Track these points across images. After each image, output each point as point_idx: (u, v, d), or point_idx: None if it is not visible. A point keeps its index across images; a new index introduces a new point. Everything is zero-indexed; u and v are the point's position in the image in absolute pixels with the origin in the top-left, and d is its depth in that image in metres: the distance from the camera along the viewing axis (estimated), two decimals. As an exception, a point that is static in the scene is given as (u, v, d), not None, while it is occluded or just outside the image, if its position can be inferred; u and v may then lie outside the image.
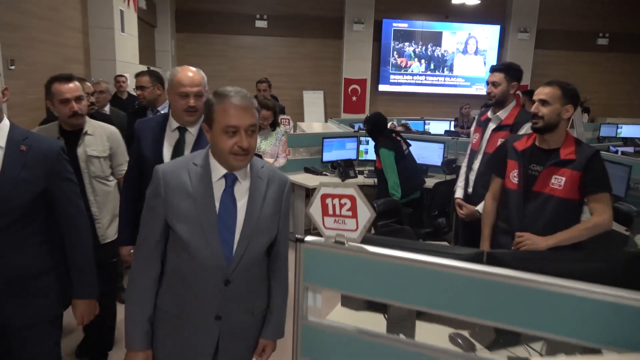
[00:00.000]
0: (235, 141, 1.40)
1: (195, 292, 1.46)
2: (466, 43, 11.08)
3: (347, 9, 10.39)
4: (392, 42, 10.82)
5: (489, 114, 2.95)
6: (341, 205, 1.43)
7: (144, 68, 6.20)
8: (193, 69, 2.08)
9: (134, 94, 4.08)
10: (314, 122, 8.83)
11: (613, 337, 1.17)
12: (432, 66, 11.01)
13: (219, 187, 1.46)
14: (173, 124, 2.10)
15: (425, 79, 11.01)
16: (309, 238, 1.51)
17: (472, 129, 3.14)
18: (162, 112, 3.23)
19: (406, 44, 10.90)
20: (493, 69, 2.90)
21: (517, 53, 11.01)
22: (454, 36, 11.01)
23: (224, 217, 1.45)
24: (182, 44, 10.51)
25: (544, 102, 2.19)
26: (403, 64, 10.93)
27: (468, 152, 3.08)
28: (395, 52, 10.90)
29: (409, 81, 10.96)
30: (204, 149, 1.53)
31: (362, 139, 5.16)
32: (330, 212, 1.45)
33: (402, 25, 10.81)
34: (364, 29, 10.43)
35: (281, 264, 1.61)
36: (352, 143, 5.15)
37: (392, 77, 10.96)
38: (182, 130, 2.10)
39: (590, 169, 2.11)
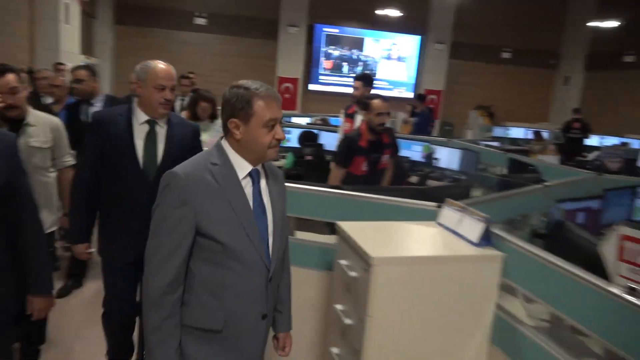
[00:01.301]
0: (273, 134, 1.39)
1: (242, 297, 1.40)
2: (390, 50, 12.26)
3: (282, 12, 11.22)
4: (323, 45, 11.78)
5: (355, 108, 3.92)
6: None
7: (84, 58, 6.63)
8: (164, 62, 2.09)
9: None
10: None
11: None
12: (354, 69, 12.06)
13: (246, 185, 1.42)
14: (141, 116, 2.09)
15: (353, 81, 12.08)
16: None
17: (343, 119, 4.09)
18: (97, 105, 3.44)
19: (335, 47, 11.89)
20: (354, 78, 4.03)
21: (434, 61, 12.35)
22: (378, 43, 12.16)
23: (258, 214, 1.43)
24: (122, 36, 10.83)
25: (388, 114, 3.20)
26: (329, 66, 11.91)
27: (343, 137, 4.01)
28: (325, 55, 11.87)
29: (337, 82, 11.96)
30: (209, 147, 1.46)
31: (286, 129, 6.01)
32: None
33: (333, 30, 11.79)
34: (297, 32, 11.31)
35: (287, 256, 1.64)
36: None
37: (321, 77, 11.92)
38: (151, 123, 2.09)
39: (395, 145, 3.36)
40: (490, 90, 13.03)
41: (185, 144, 2.16)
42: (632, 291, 1.29)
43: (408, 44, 12.30)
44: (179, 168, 1.39)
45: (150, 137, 2.10)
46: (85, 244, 2.21)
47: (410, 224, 2.09)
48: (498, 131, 9.35)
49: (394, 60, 12.34)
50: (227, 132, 1.42)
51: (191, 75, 6.42)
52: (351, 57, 12.07)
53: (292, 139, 5.74)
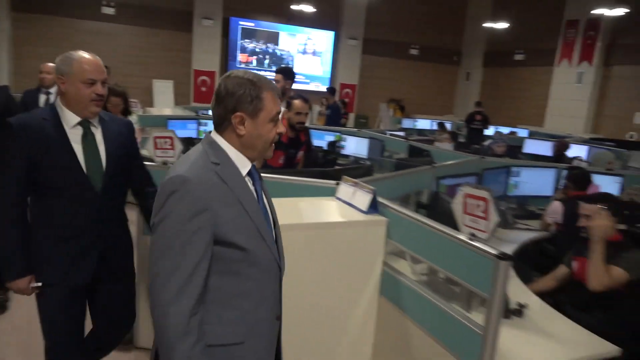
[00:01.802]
0: (276, 129, 1.33)
1: (260, 303, 1.32)
2: (305, 45, 12.59)
3: (196, 4, 11.08)
4: (239, 39, 11.82)
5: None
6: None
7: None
8: (88, 53, 1.85)
9: None
10: (164, 108, 9.42)
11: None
12: (270, 63, 12.24)
13: (249, 184, 1.33)
14: (71, 118, 1.82)
15: (272, 75, 12.24)
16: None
17: None
18: None
19: (250, 41, 11.97)
20: (275, 72, 4.23)
21: (348, 56, 12.89)
22: (293, 38, 12.43)
23: (266, 214, 1.36)
24: (20, 24, 10.11)
25: (306, 114, 3.47)
26: (245, 60, 11.99)
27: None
28: (241, 49, 11.92)
29: (254, 76, 12.08)
30: (202, 144, 1.30)
31: (202, 121, 6.08)
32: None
33: (248, 24, 11.86)
34: (213, 24, 11.24)
35: None
36: (192, 124, 6.05)
37: (239, 71, 11.97)
38: (84, 124, 1.84)
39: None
40: (401, 85, 13.85)
41: (124, 143, 1.97)
42: (473, 237, 1.65)
43: (323, 39, 12.71)
44: (182, 171, 1.20)
45: (88, 141, 1.85)
46: (27, 277, 1.81)
47: (312, 199, 2.37)
48: (407, 123, 10.04)
49: (310, 54, 12.69)
50: (226, 127, 1.28)
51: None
52: (267, 50, 12.23)
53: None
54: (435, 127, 9.42)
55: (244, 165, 1.30)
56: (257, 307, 1.30)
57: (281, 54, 12.38)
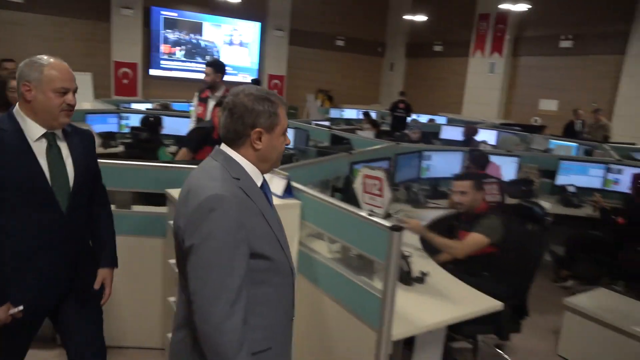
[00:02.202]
0: (285, 139, 1.39)
1: (280, 308, 1.38)
2: (231, 35, 12.48)
3: (114, -8, 10.62)
4: (161, 29, 11.48)
5: (208, 93, 4.19)
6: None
7: None
8: (55, 57, 1.70)
9: None
10: (83, 102, 9.00)
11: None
12: (194, 54, 12.03)
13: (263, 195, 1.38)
14: (35, 130, 1.65)
15: (196, 66, 12.05)
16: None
17: (196, 103, 4.32)
18: None
19: (173, 31, 11.67)
20: (206, 64, 4.21)
21: (274, 48, 12.94)
22: (219, 28, 12.28)
23: (280, 223, 1.42)
24: None
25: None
26: (167, 51, 11.70)
27: (195, 119, 4.26)
28: (164, 39, 11.60)
29: (179, 67, 11.79)
30: (216, 160, 1.33)
31: (123, 114, 5.94)
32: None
33: (171, 14, 11.55)
34: (132, 14, 10.82)
35: None
36: (113, 118, 5.89)
37: (163, 62, 11.64)
38: (49, 136, 1.68)
39: None
40: (328, 75, 14.12)
41: (90, 158, 1.82)
42: (372, 213, 1.85)
43: (249, 30, 12.66)
44: (216, 189, 1.22)
45: (54, 155, 1.67)
46: (5, 306, 1.64)
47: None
48: (335, 112, 10.31)
49: (236, 45, 12.60)
50: (243, 142, 1.32)
51: (8, 66, 5.88)
52: (191, 41, 11.99)
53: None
54: (361, 116, 9.77)
55: (258, 177, 1.35)
56: (276, 312, 1.36)
57: (206, 45, 12.18)
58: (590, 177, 4.67)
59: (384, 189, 1.86)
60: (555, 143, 6.24)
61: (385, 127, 9.81)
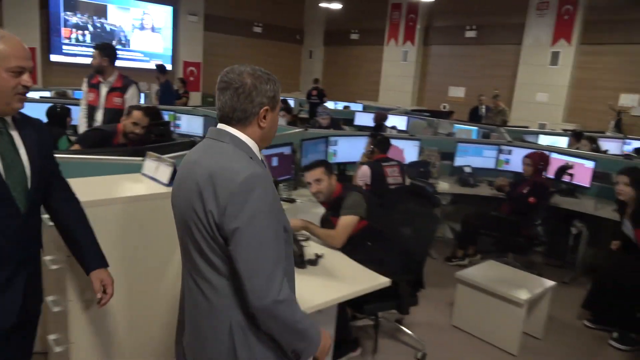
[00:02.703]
0: None
1: (292, 275, 1.49)
2: (142, 20, 11.84)
3: (1, -31, 9.64)
4: (61, 11, 10.62)
5: (100, 79, 3.94)
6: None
7: None
8: (10, 33, 1.42)
9: None
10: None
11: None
12: (102, 39, 11.24)
13: None
14: None
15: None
16: None
17: (85, 89, 4.05)
18: None
19: (74, 14, 10.82)
20: (94, 47, 4.02)
21: (189, 33, 12.47)
22: (127, 12, 11.60)
23: None
24: None
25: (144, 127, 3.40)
26: (67, 35, 10.87)
27: (85, 107, 4.00)
28: (64, 22, 10.74)
29: (84, 52, 10.97)
30: (225, 141, 1.33)
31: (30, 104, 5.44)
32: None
33: (71, -6, 10.73)
34: (26, -6, 9.91)
35: None
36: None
37: (65, 47, 10.79)
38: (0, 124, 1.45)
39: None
40: (247, 63, 13.82)
41: (45, 148, 1.58)
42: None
43: (161, 15, 12.08)
44: (248, 169, 1.25)
45: (5, 145, 1.43)
46: None
47: (118, 176, 2.37)
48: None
49: (148, 30, 11.99)
50: (251, 121, 1.34)
51: None
52: (95, 25, 11.20)
53: (40, 116, 5.25)
54: (279, 104, 9.73)
55: (259, 155, 1.38)
56: (290, 281, 1.41)
57: (112, 29, 11.45)
58: (484, 158, 5.02)
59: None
60: (458, 127, 6.62)
61: (304, 115, 9.89)
